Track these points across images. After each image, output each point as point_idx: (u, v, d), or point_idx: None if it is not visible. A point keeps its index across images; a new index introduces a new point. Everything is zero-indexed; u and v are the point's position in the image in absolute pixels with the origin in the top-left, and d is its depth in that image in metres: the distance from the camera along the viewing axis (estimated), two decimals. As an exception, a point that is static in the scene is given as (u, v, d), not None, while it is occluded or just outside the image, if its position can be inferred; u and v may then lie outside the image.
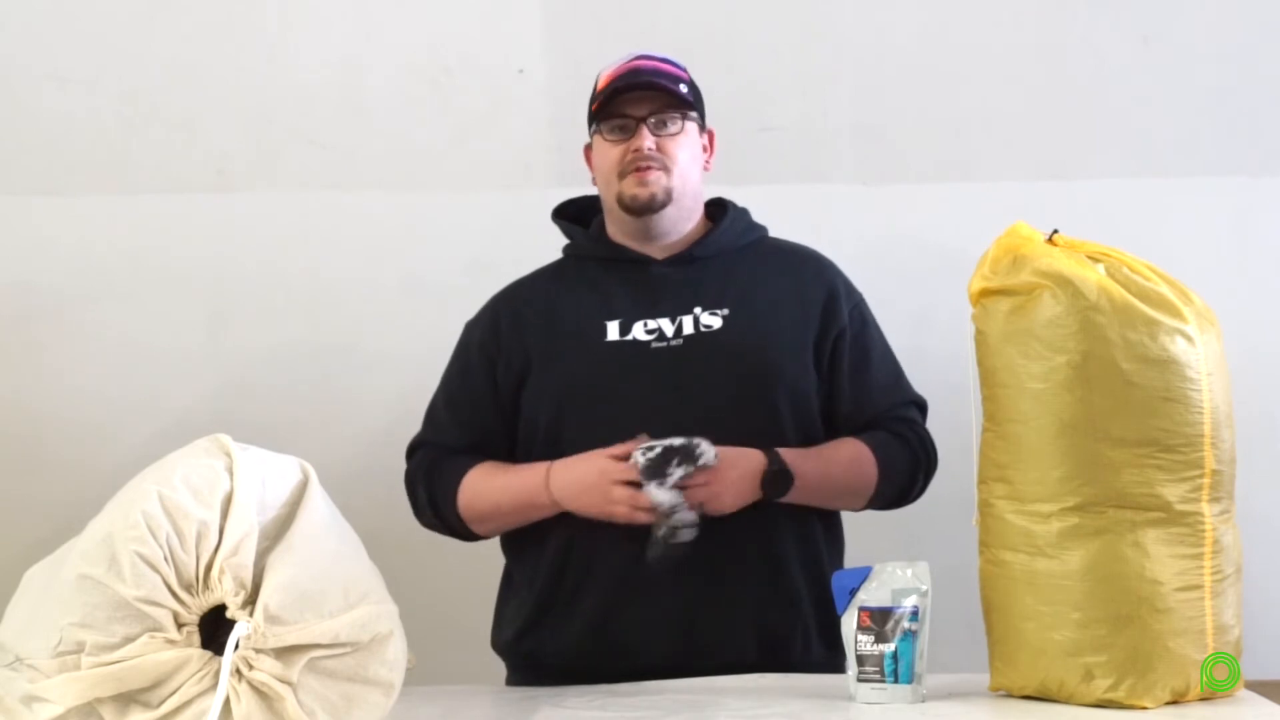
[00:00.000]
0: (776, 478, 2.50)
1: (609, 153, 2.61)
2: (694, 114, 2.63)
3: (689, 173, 2.62)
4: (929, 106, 3.26)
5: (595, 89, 2.66)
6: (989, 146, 3.26)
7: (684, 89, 2.61)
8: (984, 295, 2.29)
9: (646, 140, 2.58)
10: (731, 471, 2.46)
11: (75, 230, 3.22)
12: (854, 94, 3.26)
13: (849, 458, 2.59)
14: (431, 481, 2.64)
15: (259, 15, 3.26)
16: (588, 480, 2.47)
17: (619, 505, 2.44)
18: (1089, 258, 2.24)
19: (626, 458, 2.43)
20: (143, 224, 3.23)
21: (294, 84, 3.25)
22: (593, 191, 2.77)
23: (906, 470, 2.64)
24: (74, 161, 3.23)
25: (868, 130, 3.26)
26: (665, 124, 2.60)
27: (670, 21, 3.24)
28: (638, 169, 2.58)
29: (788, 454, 2.53)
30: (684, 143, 2.61)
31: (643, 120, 2.58)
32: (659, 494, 2.41)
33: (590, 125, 2.67)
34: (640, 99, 2.59)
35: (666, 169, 2.59)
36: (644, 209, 2.60)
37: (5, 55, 3.23)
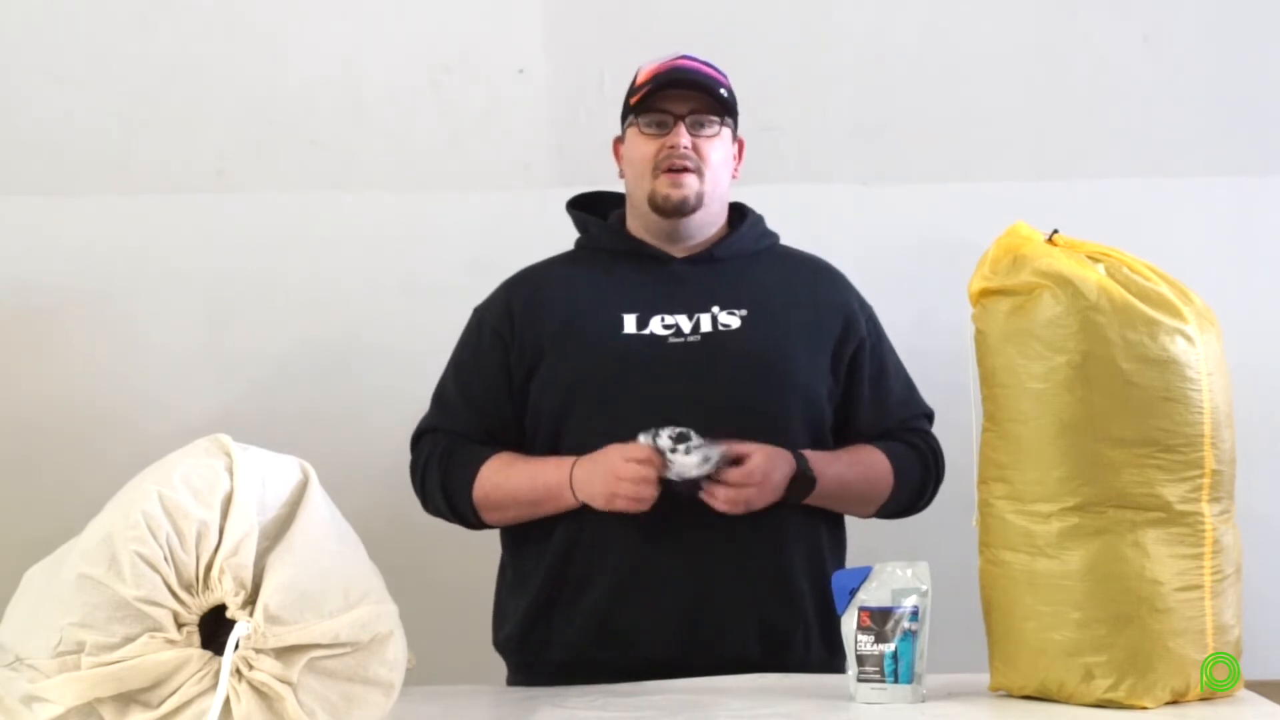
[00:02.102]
0: (801, 482, 2.51)
1: (643, 147, 2.60)
2: (730, 119, 2.63)
3: (720, 176, 2.63)
4: (929, 106, 3.26)
5: (634, 83, 2.65)
6: (989, 146, 3.26)
7: (724, 93, 2.62)
8: (984, 295, 2.29)
9: (683, 138, 2.58)
10: (775, 474, 2.47)
11: (75, 230, 3.22)
12: (854, 94, 3.27)
13: (868, 466, 2.62)
14: (446, 468, 2.62)
15: (259, 15, 3.26)
16: (600, 463, 2.47)
17: (624, 483, 2.43)
18: (1089, 258, 2.24)
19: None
20: (143, 224, 3.23)
21: (294, 84, 3.25)
22: (599, 187, 2.78)
23: (918, 482, 2.66)
24: (74, 161, 3.23)
25: (868, 130, 3.27)
26: (703, 124, 2.60)
27: (670, 21, 3.25)
28: (671, 168, 2.58)
29: (813, 458, 2.54)
30: (718, 145, 2.61)
31: (681, 118, 2.59)
32: (684, 460, 2.43)
33: (624, 119, 2.67)
34: (681, 97, 2.59)
35: (700, 172, 2.59)
36: (675, 211, 2.60)
37: (5, 55, 3.23)
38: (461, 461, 2.62)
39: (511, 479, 2.57)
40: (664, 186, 2.59)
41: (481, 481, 2.59)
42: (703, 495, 2.46)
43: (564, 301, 2.64)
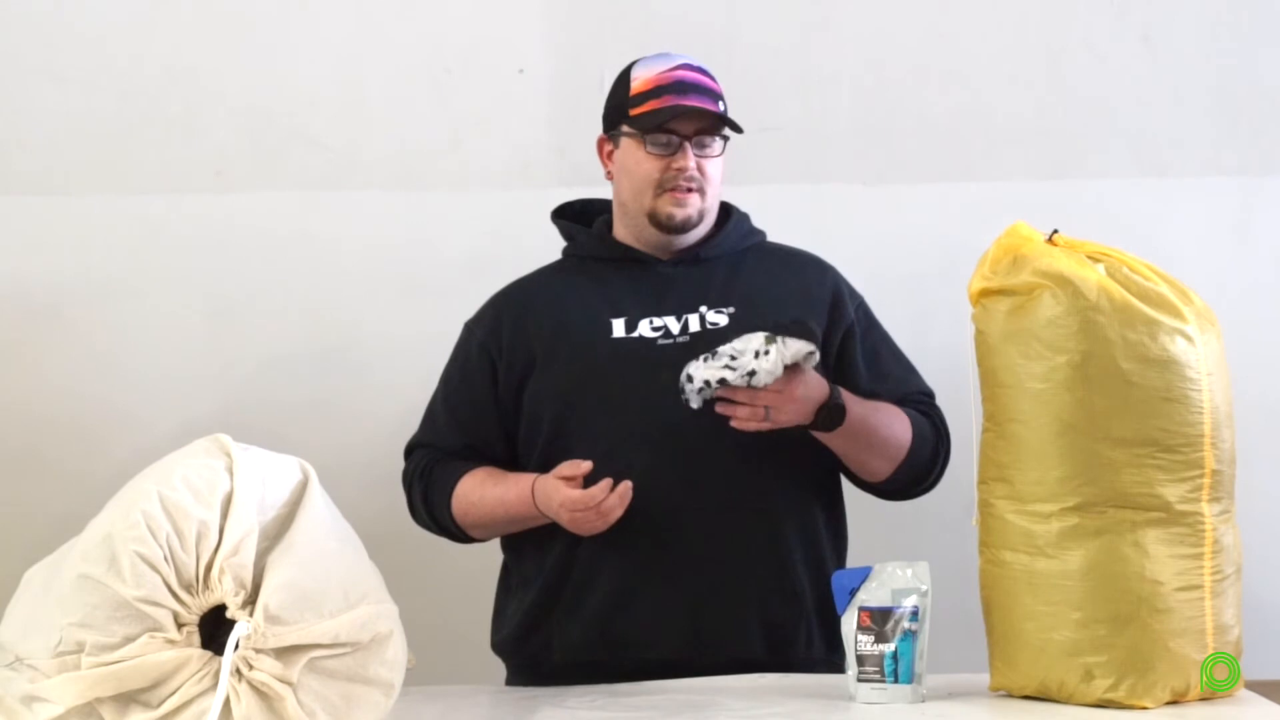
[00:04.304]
0: (832, 411, 2.48)
1: (646, 164, 2.59)
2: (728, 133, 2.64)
3: (718, 190, 2.64)
4: (929, 106, 3.26)
5: (629, 89, 2.63)
6: (989, 146, 3.26)
7: (722, 106, 2.62)
8: (984, 295, 2.29)
9: (690, 160, 2.58)
10: (800, 389, 2.44)
11: (75, 230, 3.22)
12: (854, 94, 3.26)
13: (889, 415, 2.58)
14: (427, 486, 2.65)
15: (259, 15, 3.25)
16: (551, 506, 2.49)
17: (580, 528, 2.47)
18: (1089, 258, 2.24)
19: (580, 483, 2.45)
20: (143, 224, 3.23)
21: (294, 84, 3.25)
22: (594, 190, 2.77)
23: (930, 444, 2.62)
24: (74, 161, 3.22)
25: (868, 130, 3.26)
26: (706, 144, 2.60)
27: (670, 21, 3.24)
28: (676, 188, 2.58)
29: (844, 393, 2.52)
30: (718, 162, 2.62)
31: (687, 138, 2.58)
32: (694, 369, 2.41)
33: (614, 121, 2.65)
34: (687, 115, 2.58)
35: (703, 191, 2.60)
36: (678, 230, 2.62)
37: (5, 55, 3.23)
38: (440, 479, 2.64)
39: (485, 499, 2.59)
40: (667, 205, 2.60)
41: (457, 500, 2.61)
42: (719, 409, 2.43)
43: (553, 311, 2.64)
